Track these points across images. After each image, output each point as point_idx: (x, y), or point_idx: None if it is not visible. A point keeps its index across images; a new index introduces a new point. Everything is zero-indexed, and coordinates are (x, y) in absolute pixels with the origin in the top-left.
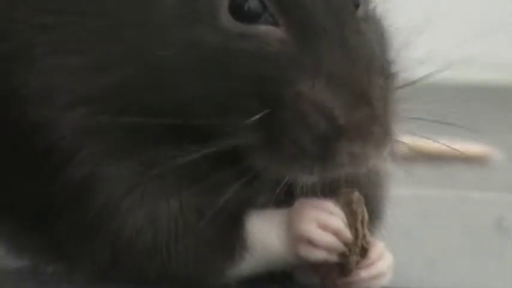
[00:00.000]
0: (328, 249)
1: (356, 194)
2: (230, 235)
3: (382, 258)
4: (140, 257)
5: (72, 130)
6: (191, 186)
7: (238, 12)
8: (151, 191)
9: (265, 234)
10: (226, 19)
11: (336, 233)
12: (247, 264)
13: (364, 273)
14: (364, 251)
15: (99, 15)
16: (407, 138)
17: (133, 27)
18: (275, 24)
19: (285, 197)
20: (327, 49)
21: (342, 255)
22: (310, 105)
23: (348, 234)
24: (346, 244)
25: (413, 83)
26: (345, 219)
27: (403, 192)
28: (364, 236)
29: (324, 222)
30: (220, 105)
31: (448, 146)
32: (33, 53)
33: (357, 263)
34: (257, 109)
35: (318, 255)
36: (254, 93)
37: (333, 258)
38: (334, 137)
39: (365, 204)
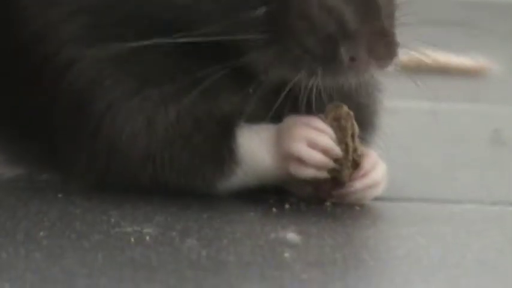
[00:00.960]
0: (318, 166)
1: (344, 109)
2: (221, 147)
3: (376, 168)
4: (134, 164)
5: (73, 38)
6: (190, 93)
7: None
8: (150, 98)
9: (256, 148)
10: None
11: (325, 151)
12: (238, 178)
13: (357, 184)
14: (356, 164)
15: None
16: (406, 50)
17: None
18: None
19: (278, 112)
20: None
21: (333, 170)
22: (319, 6)
23: (337, 150)
24: (336, 160)
25: None
26: (334, 135)
27: (399, 104)
28: (355, 149)
29: (313, 141)
30: (219, 7)
31: (445, 59)
32: None
33: (350, 175)
34: (259, 6)
35: (308, 173)
36: None
37: (323, 175)
38: (341, 40)
39: (358, 113)
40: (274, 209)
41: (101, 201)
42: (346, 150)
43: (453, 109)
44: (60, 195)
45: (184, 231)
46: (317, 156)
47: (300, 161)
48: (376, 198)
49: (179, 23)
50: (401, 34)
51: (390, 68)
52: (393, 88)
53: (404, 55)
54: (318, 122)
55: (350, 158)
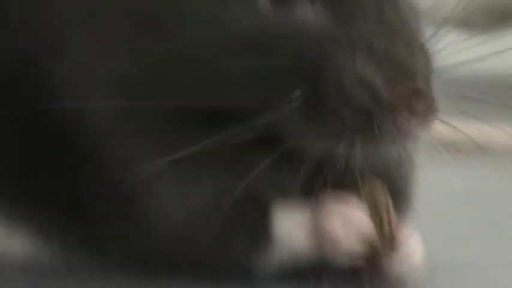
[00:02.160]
0: (353, 245)
1: (378, 182)
2: (256, 224)
3: (411, 239)
4: (168, 240)
5: (103, 112)
6: (226, 168)
7: None
8: (184, 173)
9: (292, 228)
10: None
11: (361, 230)
12: (273, 258)
13: (393, 256)
14: (391, 237)
15: None
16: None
17: (166, 3)
18: (311, 2)
19: (314, 187)
20: (365, 25)
21: (369, 246)
22: (351, 79)
23: (373, 229)
24: (371, 238)
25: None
26: (369, 211)
27: (433, 173)
28: (390, 222)
29: (349, 220)
30: (256, 85)
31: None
32: (64, 37)
33: (385, 248)
34: (295, 86)
35: (343, 251)
36: (292, 71)
37: (359, 252)
38: (376, 109)
39: (391, 184)
40: None
41: (138, 276)
42: (380, 224)
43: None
44: (96, 272)
45: None
46: (352, 236)
47: (335, 239)
48: (413, 268)
49: (215, 98)
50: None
51: (431, 127)
52: (427, 156)
53: (440, 127)
54: (353, 200)
55: (385, 231)
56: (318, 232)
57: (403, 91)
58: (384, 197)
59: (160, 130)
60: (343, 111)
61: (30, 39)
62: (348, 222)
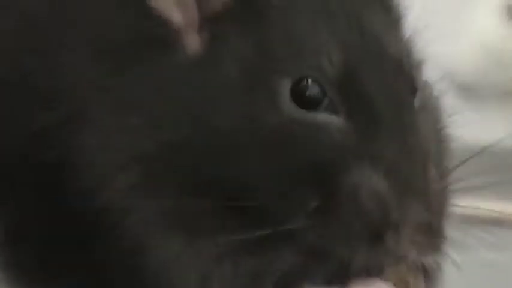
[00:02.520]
0: None
1: (404, 267)
2: None
3: None
4: None
5: (124, 190)
6: (246, 248)
7: (299, 98)
8: (203, 255)
9: None
10: (286, 103)
11: None
12: None
13: None
14: None
15: (157, 77)
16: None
17: (193, 91)
18: (335, 111)
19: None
20: (385, 142)
21: None
22: (367, 195)
23: None
24: None
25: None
26: None
27: (458, 258)
28: None
29: None
30: (275, 186)
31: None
32: (89, 114)
33: None
34: (313, 193)
35: None
36: (310, 178)
37: None
38: (385, 228)
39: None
40: None
41: None
42: None
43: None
44: None
45: None
46: None
47: None
48: None
49: (233, 190)
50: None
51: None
52: (452, 240)
53: (463, 207)
54: (382, 285)
55: None
56: None
57: (415, 218)
58: (412, 278)
59: (179, 213)
60: (355, 223)
61: (54, 108)
62: None
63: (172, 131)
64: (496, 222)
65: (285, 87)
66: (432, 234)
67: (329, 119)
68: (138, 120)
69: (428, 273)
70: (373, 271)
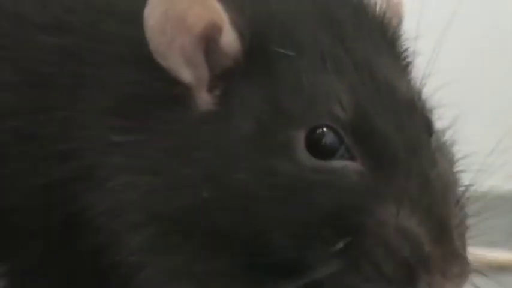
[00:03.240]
0: None
1: None
2: None
3: None
4: None
5: (140, 248)
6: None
7: (315, 147)
8: None
9: None
10: (302, 153)
11: None
12: None
13: None
14: None
15: (169, 135)
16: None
17: (206, 149)
18: (352, 158)
19: None
20: (404, 177)
21: None
22: (395, 233)
23: None
24: None
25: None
26: None
27: None
28: None
29: None
30: (296, 237)
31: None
32: (100, 172)
33: None
34: (336, 239)
35: None
36: (332, 225)
37: None
38: (418, 266)
39: None
40: None
41: None
42: None
43: None
44: None
45: None
46: None
47: None
48: None
49: (252, 245)
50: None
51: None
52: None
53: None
54: None
55: None
56: None
57: (442, 252)
58: None
59: (193, 268)
60: (385, 264)
61: (64, 163)
62: None
63: (187, 192)
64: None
65: (299, 137)
66: (460, 263)
67: (346, 165)
68: (151, 180)
69: None
70: None
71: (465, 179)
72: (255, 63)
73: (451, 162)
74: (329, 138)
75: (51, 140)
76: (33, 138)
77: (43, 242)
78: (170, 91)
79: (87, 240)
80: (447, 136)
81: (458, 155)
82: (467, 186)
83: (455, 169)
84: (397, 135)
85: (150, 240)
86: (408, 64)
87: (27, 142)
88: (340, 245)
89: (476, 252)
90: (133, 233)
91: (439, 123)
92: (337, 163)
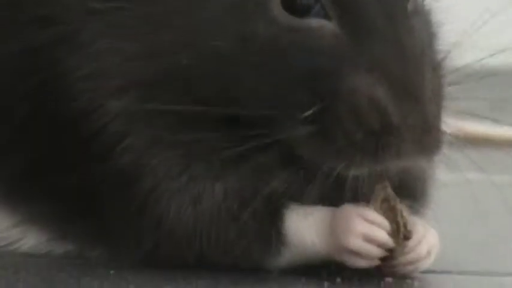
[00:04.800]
0: (373, 258)
1: (389, 190)
2: (269, 228)
3: (426, 238)
4: (181, 242)
5: (120, 115)
6: (237, 172)
7: (291, 5)
8: (196, 176)
9: (305, 232)
10: (278, 12)
11: (381, 245)
12: (285, 258)
13: (408, 257)
14: (406, 238)
15: (149, 2)
16: (456, 123)
17: (185, 16)
18: (327, 17)
19: (327, 193)
20: (380, 46)
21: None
22: (365, 100)
23: (391, 242)
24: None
25: (460, 69)
26: (388, 226)
27: (451, 177)
28: (405, 224)
29: (370, 237)
30: (272, 98)
31: (491, 130)
32: (82, 37)
33: (401, 250)
34: (310, 102)
35: (363, 263)
36: (307, 87)
37: (377, 263)
38: (387, 133)
39: (409, 184)
40: (326, 283)
41: (153, 276)
42: (397, 229)
43: (501, 181)
44: (112, 272)
45: None
46: (373, 251)
47: (357, 254)
48: (428, 271)
49: (229, 107)
50: (448, 108)
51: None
52: (443, 160)
53: (453, 126)
54: (372, 215)
55: (401, 235)
56: (338, 245)
57: (413, 122)
58: (398, 202)
59: (175, 134)
60: (355, 132)
61: (46, 27)
62: (370, 239)
63: (167, 59)
64: (482, 143)
65: None
66: (431, 134)
67: (321, 24)
68: (132, 47)
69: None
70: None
71: (444, 47)
72: None
73: (428, 26)
74: None
75: (31, 4)
76: (13, 3)
77: (23, 110)
78: None
79: (67, 107)
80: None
81: (438, 23)
82: (446, 54)
83: (433, 34)
84: (374, 1)
85: (130, 107)
86: None
87: (7, 7)
88: (310, 106)
89: (456, 124)
90: (113, 99)
91: None
92: (313, 21)
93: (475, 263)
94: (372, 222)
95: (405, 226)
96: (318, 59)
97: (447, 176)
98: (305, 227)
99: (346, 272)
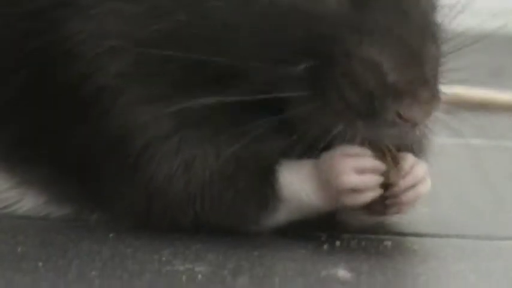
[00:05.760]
0: (372, 187)
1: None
2: (263, 185)
3: (416, 165)
4: (174, 205)
5: (118, 76)
6: (229, 133)
7: None
8: (188, 138)
9: (298, 185)
10: None
11: (373, 171)
12: (281, 215)
13: (404, 182)
14: (396, 162)
15: None
16: (454, 88)
17: None
18: None
19: (320, 150)
20: (380, 10)
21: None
22: (360, 63)
23: (381, 165)
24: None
25: (460, 34)
26: (368, 151)
27: (448, 141)
28: (390, 150)
29: (360, 167)
30: (269, 58)
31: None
32: (83, 0)
33: (395, 174)
34: (307, 60)
35: (366, 197)
36: (305, 49)
37: (378, 192)
38: (382, 95)
39: (407, 146)
40: (325, 246)
41: (152, 239)
42: (383, 155)
43: (501, 146)
44: (110, 235)
45: (236, 270)
46: (369, 179)
47: (354, 190)
48: (427, 235)
49: (224, 72)
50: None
51: (434, 117)
52: (440, 125)
53: (452, 91)
54: (352, 149)
55: (388, 158)
56: (333, 188)
57: (410, 78)
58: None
59: (169, 96)
60: (350, 95)
61: None
62: (360, 170)
63: (167, 19)
64: (481, 107)
65: None
66: (429, 89)
67: None
68: (133, 8)
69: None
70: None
71: (444, 15)
72: None
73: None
74: None
75: None
76: None
77: (23, 73)
78: None
79: (67, 70)
80: None
81: None
82: (447, 20)
83: (434, 2)
84: None
85: (129, 65)
86: None
87: None
88: (306, 65)
89: (455, 90)
90: (114, 58)
91: None
92: None
93: (475, 227)
94: (356, 155)
95: (390, 150)
96: (317, 22)
97: (448, 141)
98: (298, 181)
99: (345, 235)
